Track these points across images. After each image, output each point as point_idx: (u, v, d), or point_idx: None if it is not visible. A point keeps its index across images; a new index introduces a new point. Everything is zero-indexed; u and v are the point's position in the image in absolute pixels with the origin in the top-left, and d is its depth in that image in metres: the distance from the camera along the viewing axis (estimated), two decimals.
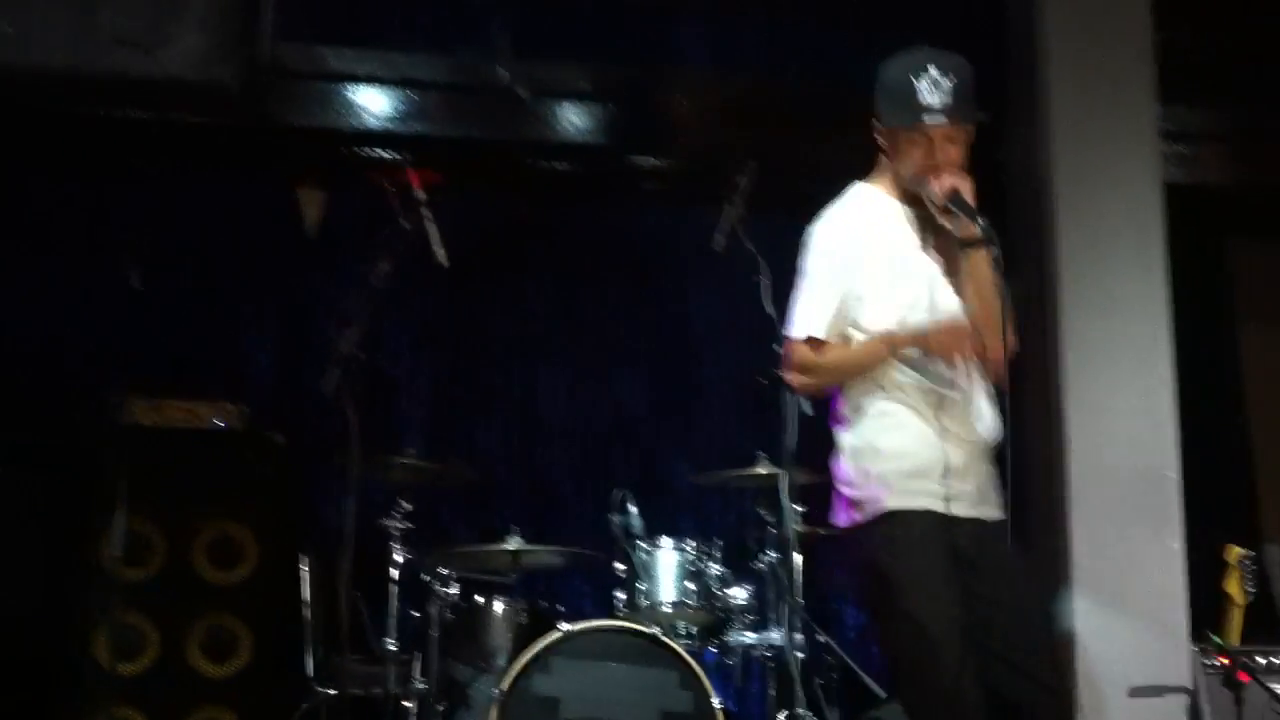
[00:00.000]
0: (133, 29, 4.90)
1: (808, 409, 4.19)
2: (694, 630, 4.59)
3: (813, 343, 3.13)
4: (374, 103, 5.45)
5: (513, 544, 4.64)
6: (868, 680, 4.71)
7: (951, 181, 3.03)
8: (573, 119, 5.56)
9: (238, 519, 4.85)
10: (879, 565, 3.06)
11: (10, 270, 5.47)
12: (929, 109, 3.06)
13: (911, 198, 3.18)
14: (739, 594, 4.63)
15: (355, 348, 4.03)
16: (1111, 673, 3.85)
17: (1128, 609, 3.88)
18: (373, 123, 5.45)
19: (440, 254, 4.26)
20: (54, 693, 4.62)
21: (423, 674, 4.39)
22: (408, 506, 4.52)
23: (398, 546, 4.46)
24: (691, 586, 4.59)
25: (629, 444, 5.83)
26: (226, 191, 5.72)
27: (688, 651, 4.28)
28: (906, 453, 3.11)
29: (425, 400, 5.69)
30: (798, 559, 4.42)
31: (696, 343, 5.96)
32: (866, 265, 3.15)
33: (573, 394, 5.83)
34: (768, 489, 4.61)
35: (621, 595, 4.64)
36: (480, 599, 4.61)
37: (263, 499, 4.92)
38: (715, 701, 4.18)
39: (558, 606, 4.75)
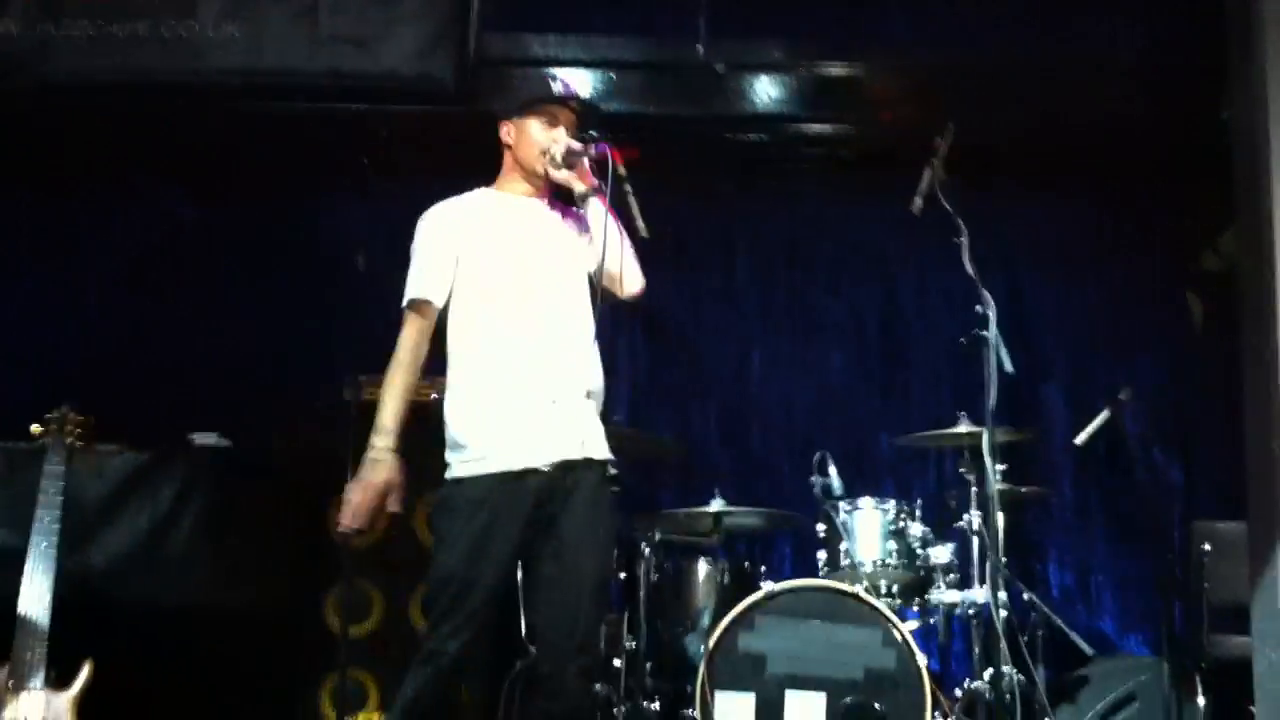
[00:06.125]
0: (351, 28, 5.22)
1: (1009, 367, 4.18)
2: (896, 589, 4.63)
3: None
4: (577, 85, 5.62)
5: (715, 506, 4.77)
6: (1075, 638, 4.64)
7: (567, 141, 3.73)
8: (767, 90, 5.63)
9: None
10: None
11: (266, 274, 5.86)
12: (553, 87, 3.88)
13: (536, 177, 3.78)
14: (941, 553, 4.65)
15: None
16: None
17: None
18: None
19: (642, 227, 4.37)
20: None
21: (630, 633, 4.55)
22: (614, 471, 4.65)
23: None
24: (893, 546, 4.64)
25: (830, 408, 5.90)
26: (440, 180, 5.96)
27: (890, 610, 4.33)
28: None
29: (632, 371, 5.85)
30: (1000, 517, 4.41)
31: (898, 306, 5.98)
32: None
33: (776, 361, 5.92)
34: (969, 448, 4.62)
35: (823, 555, 4.72)
36: (685, 560, 4.75)
37: None
38: (920, 660, 4.22)
39: (760, 567, 4.84)
